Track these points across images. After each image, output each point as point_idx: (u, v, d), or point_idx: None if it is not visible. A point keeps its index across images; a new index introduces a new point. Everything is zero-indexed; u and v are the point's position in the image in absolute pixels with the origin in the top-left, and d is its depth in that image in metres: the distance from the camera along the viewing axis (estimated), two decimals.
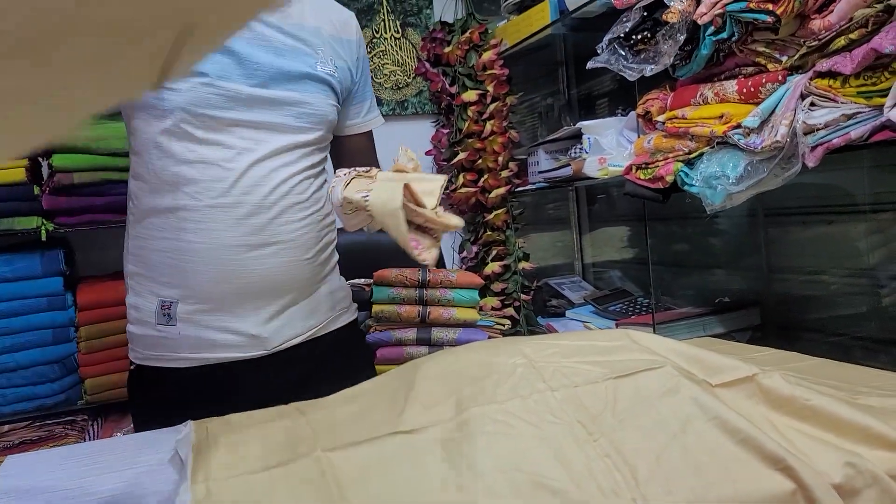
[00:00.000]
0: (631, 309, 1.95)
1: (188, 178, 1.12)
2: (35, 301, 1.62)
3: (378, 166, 1.29)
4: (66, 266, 1.65)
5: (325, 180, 1.32)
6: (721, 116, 1.29)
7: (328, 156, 1.33)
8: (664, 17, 1.36)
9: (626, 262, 2.39)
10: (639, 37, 1.45)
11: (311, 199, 1.24)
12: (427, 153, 2.35)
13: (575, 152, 1.98)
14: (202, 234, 1.12)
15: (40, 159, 1.64)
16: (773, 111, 1.19)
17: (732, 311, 1.69)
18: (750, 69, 1.30)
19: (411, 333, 1.79)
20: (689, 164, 1.38)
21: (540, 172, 2.12)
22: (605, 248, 2.51)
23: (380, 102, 2.29)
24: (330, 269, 1.35)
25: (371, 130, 1.39)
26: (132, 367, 1.22)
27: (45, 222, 1.63)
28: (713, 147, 1.32)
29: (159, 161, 1.13)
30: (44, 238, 1.63)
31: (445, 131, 2.29)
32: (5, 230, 1.61)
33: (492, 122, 2.22)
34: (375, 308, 1.82)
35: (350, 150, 1.36)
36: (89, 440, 1.61)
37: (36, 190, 1.63)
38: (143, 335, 1.18)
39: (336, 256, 1.41)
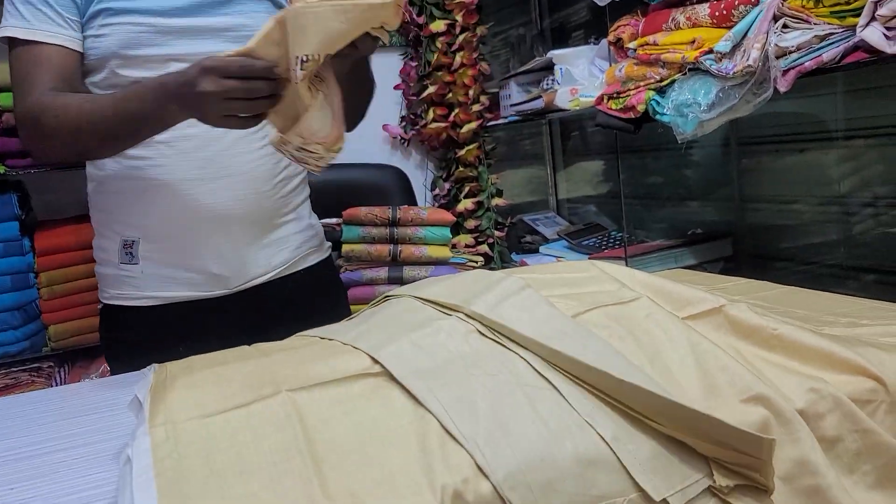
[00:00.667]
0: (604, 243, 1.94)
1: None
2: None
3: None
4: (21, 210, 1.60)
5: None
6: (693, 41, 1.26)
7: None
8: None
9: (600, 197, 2.37)
10: None
11: (260, 126, 1.20)
12: (395, 87, 2.29)
13: (547, 84, 1.94)
14: (155, 170, 1.10)
15: None
16: (745, 34, 1.16)
17: (704, 243, 1.69)
18: None
19: (383, 272, 1.78)
20: (661, 92, 1.35)
21: (512, 105, 2.07)
22: (580, 183, 2.49)
23: None
24: (296, 205, 1.31)
25: None
26: (100, 307, 1.22)
27: None
28: (685, 74, 1.29)
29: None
30: None
31: (414, 64, 2.23)
32: None
33: (461, 53, 2.16)
34: (345, 248, 1.80)
35: None
36: (57, 386, 1.59)
37: None
38: (108, 275, 1.18)
39: (305, 191, 1.37)
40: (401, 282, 1.77)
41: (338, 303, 1.41)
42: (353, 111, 1.23)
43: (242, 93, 0.85)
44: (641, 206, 2.09)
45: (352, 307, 1.75)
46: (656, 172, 2.07)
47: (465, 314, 0.75)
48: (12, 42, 1.05)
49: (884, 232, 1.47)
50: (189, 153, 1.11)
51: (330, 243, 1.43)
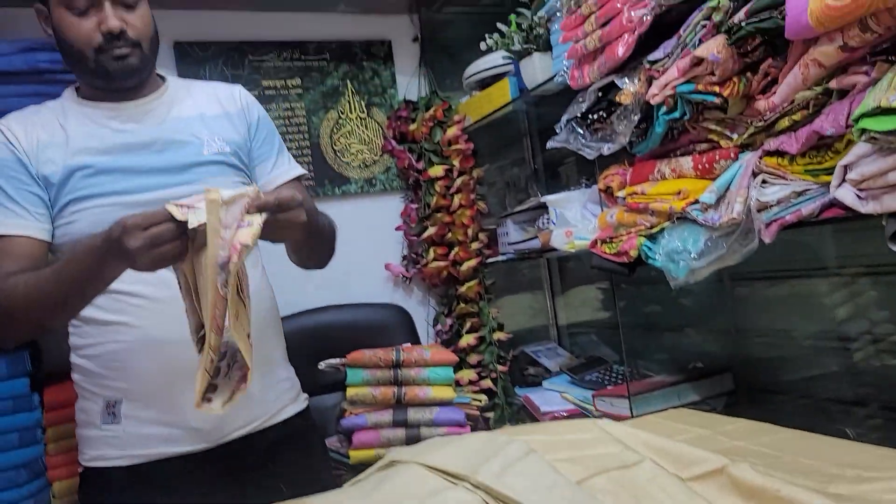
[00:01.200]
0: (607, 378, 1.95)
1: (114, 289, 1.16)
2: (1, 404, 1.58)
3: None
4: (31, 366, 1.62)
5: (253, 259, 1.34)
6: (679, 192, 1.32)
7: None
8: (618, 98, 1.40)
9: (600, 325, 2.40)
10: (595, 117, 1.50)
11: None
12: (397, 228, 2.37)
13: (542, 223, 2.01)
14: (134, 332, 1.19)
15: None
16: (727, 187, 1.22)
17: (706, 378, 1.70)
18: (704, 146, 1.34)
19: (387, 416, 1.78)
20: (652, 238, 1.40)
21: (510, 244, 2.14)
22: (579, 310, 2.52)
23: (348, 181, 2.32)
24: (272, 360, 1.35)
25: (293, 181, 1.41)
26: (81, 471, 1.23)
27: None
28: (673, 222, 1.35)
29: None
30: None
31: (414, 206, 2.32)
32: None
33: (459, 195, 2.25)
34: (350, 391, 1.81)
35: None
36: None
37: None
38: (89, 436, 1.23)
39: (281, 345, 1.42)
40: (405, 424, 1.77)
41: (316, 454, 1.44)
42: (318, 257, 1.30)
43: (161, 239, 0.92)
44: (641, 336, 2.11)
45: (357, 453, 1.74)
46: (653, 301, 2.11)
47: (472, 484, 0.77)
48: None
49: (884, 364, 1.48)
50: (166, 313, 1.17)
51: (306, 394, 1.46)
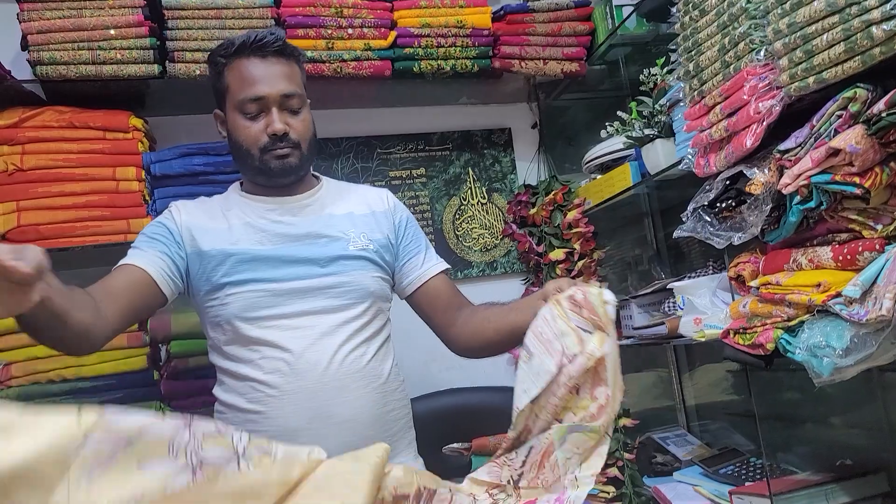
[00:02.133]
0: (744, 472, 1.85)
1: (248, 377, 1.28)
2: None
3: (466, 302, 1.48)
4: None
5: (386, 351, 1.41)
6: (819, 285, 1.27)
7: (385, 325, 1.43)
8: (748, 188, 1.38)
9: (732, 410, 2.28)
10: (723, 205, 1.48)
11: (367, 371, 1.33)
12: None
13: (668, 308, 1.97)
14: (269, 422, 1.26)
15: (160, 345, 1.77)
16: (874, 281, 1.17)
17: (857, 478, 1.58)
18: (844, 235, 1.29)
19: None
20: (790, 330, 1.35)
21: (634, 328, 2.10)
22: (708, 391, 2.42)
23: (470, 265, 2.38)
24: (401, 449, 1.38)
25: (442, 273, 1.50)
26: None
27: (163, 406, 1.74)
28: (814, 315, 1.30)
29: (223, 363, 1.33)
30: None
31: (535, 289, 2.33)
32: None
33: (581, 278, 2.24)
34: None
35: (432, 297, 1.47)
36: None
37: (155, 375, 1.74)
38: None
39: (410, 433, 1.45)
40: None
41: None
42: None
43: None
44: (779, 427, 2.00)
45: None
46: (791, 388, 2.00)
47: None
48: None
49: None
50: (300, 404, 1.25)
51: None
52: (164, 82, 1.88)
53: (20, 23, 1.75)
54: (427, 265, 1.49)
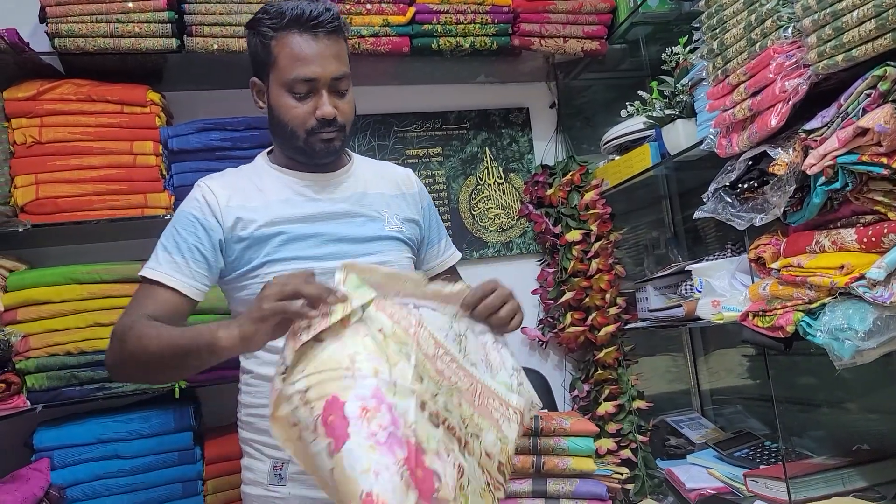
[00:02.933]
0: (758, 456, 1.84)
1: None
2: (167, 456, 1.70)
3: None
4: (195, 421, 1.75)
5: None
6: (842, 267, 1.26)
7: None
8: (771, 168, 1.36)
9: (747, 394, 2.27)
10: (745, 186, 1.46)
11: None
12: (533, 292, 2.38)
13: (685, 290, 1.96)
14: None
15: None
16: None
17: (873, 463, 1.57)
18: (869, 217, 1.27)
19: (526, 485, 1.75)
20: (811, 313, 1.33)
21: (650, 311, 2.09)
22: (723, 376, 2.40)
23: (485, 245, 2.37)
24: None
25: (454, 266, 1.54)
26: None
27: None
28: (836, 298, 1.28)
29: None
30: (177, 395, 1.73)
31: (551, 270, 2.32)
32: (144, 389, 1.73)
33: (597, 260, 2.23)
34: None
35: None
36: None
37: None
38: (254, 495, 1.27)
39: None
40: (545, 495, 1.74)
41: None
42: None
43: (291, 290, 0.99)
44: (795, 411, 1.98)
45: None
46: (808, 373, 1.98)
47: None
48: (142, 279, 1.26)
49: None
50: None
51: None
52: (182, 56, 1.87)
53: None
54: (446, 254, 1.52)
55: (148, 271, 1.26)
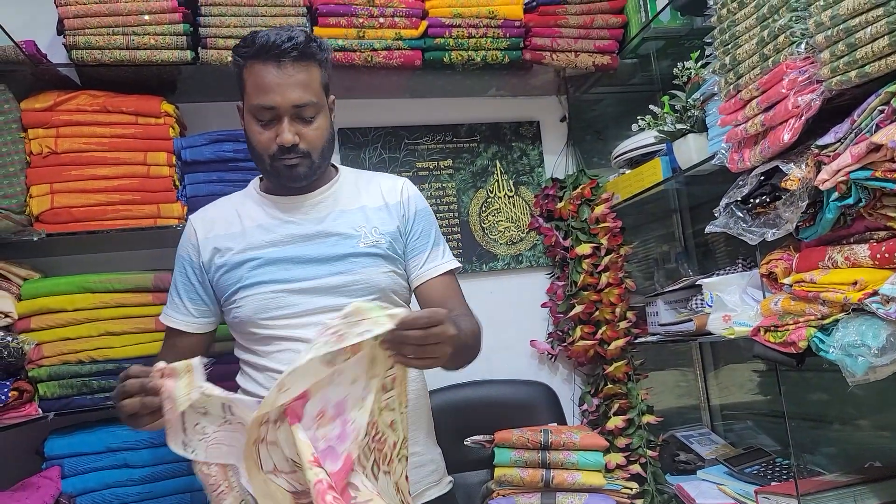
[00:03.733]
0: (769, 472, 1.83)
1: (266, 367, 1.33)
2: (176, 465, 1.69)
3: (463, 307, 1.42)
4: None
5: None
6: (855, 283, 1.25)
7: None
8: (783, 184, 1.36)
9: (757, 410, 2.25)
10: (757, 201, 1.46)
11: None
12: (543, 305, 2.38)
13: (696, 305, 1.95)
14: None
15: None
16: None
17: (887, 480, 1.55)
18: (882, 233, 1.27)
19: (535, 499, 1.75)
20: (824, 329, 1.33)
21: (660, 325, 2.09)
22: (733, 391, 2.39)
23: (495, 258, 2.37)
24: (415, 440, 1.38)
25: (445, 274, 1.45)
26: None
27: None
28: (849, 314, 1.27)
29: (243, 355, 1.40)
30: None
31: (561, 284, 2.32)
32: None
33: (607, 273, 2.23)
34: (498, 472, 1.80)
35: (424, 299, 1.45)
36: None
37: None
38: None
39: (425, 423, 1.44)
40: None
41: None
42: (463, 362, 1.31)
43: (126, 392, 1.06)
44: (806, 427, 1.97)
45: None
46: (819, 389, 1.97)
47: None
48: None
49: None
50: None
51: (451, 477, 1.46)
52: (196, 68, 1.89)
53: (57, 7, 1.77)
54: (427, 266, 1.44)
55: (162, 315, 1.45)
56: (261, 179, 1.49)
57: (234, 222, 1.41)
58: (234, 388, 1.38)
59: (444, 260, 1.47)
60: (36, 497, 1.52)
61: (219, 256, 1.38)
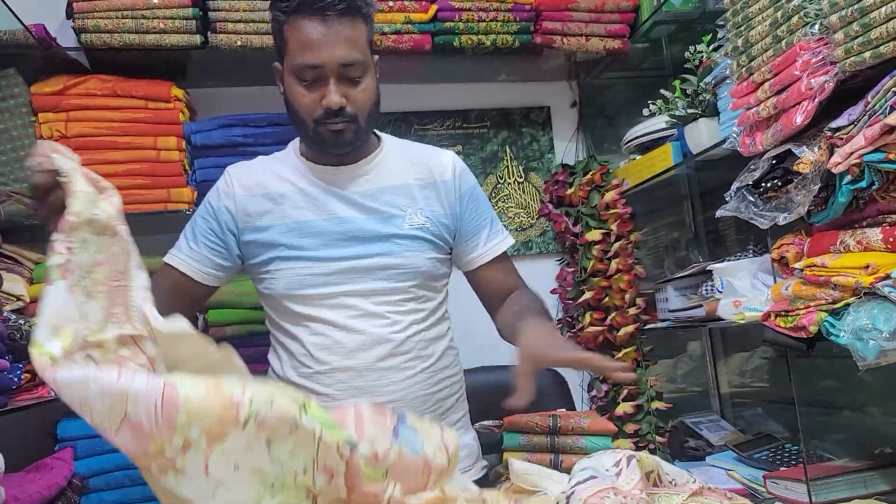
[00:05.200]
0: (778, 458, 1.82)
1: (297, 352, 1.27)
2: None
3: (515, 285, 1.39)
4: None
5: (439, 330, 1.37)
6: (867, 267, 1.24)
7: (440, 304, 1.37)
8: (795, 167, 1.35)
9: (767, 396, 2.25)
10: (769, 185, 1.45)
11: (416, 352, 1.30)
12: (552, 292, 2.37)
13: (706, 291, 1.94)
14: (317, 398, 1.22)
15: (197, 315, 1.79)
16: None
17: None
18: (895, 217, 1.25)
19: None
20: (835, 314, 1.32)
21: (670, 311, 2.08)
22: (743, 378, 2.38)
23: None
24: (451, 423, 1.37)
25: (502, 254, 1.39)
26: None
27: None
28: (860, 298, 1.27)
29: (276, 333, 1.33)
30: None
31: (570, 270, 2.32)
32: None
33: (617, 260, 2.22)
34: (506, 456, 1.80)
35: (487, 281, 1.39)
36: None
37: None
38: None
39: (461, 409, 1.43)
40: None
41: None
42: None
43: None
44: (816, 413, 1.96)
45: None
46: (829, 375, 1.96)
47: None
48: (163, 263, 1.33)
49: None
50: (347, 382, 1.25)
51: (485, 461, 1.45)
52: (206, 53, 1.89)
53: None
54: (485, 248, 1.38)
55: (170, 257, 1.34)
56: (300, 142, 1.38)
57: (273, 186, 1.31)
58: (265, 370, 1.36)
59: (502, 238, 1.41)
60: (49, 477, 1.54)
61: (252, 221, 1.30)
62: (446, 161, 1.38)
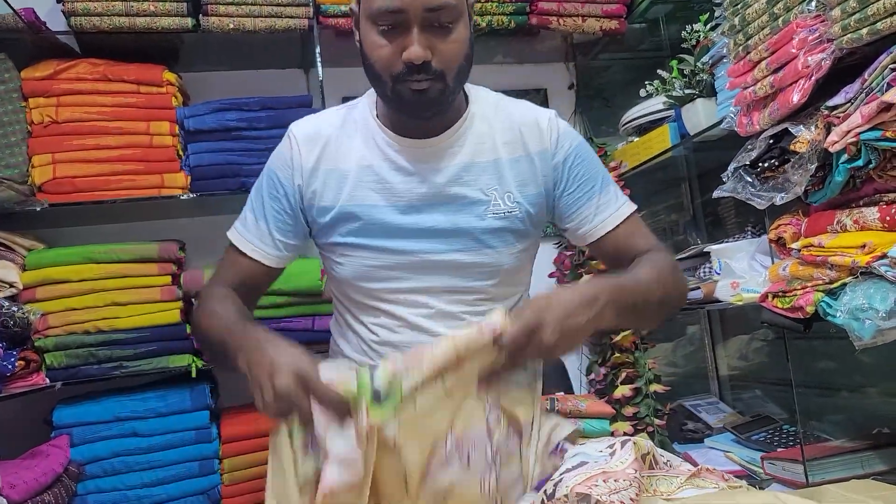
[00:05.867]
0: (776, 439, 1.82)
1: (362, 337, 1.16)
2: (184, 434, 1.71)
3: (642, 249, 1.15)
4: (211, 399, 1.76)
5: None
6: (863, 246, 1.23)
7: (521, 297, 1.22)
8: (792, 146, 1.34)
9: (765, 378, 2.24)
10: (766, 164, 1.43)
11: None
12: (550, 275, 2.36)
13: (704, 273, 1.93)
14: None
15: (193, 300, 1.78)
16: None
17: (893, 446, 1.54)
18: (892, 196, 1.24)
19: None
20: (832, 294, 1.31)
21: None
22: (741, 361, 2.38)
23: None
24: None
25: (623, 222, 1.16)
26: None
27: (195, 360, 1.76)
28: (857, 277, 1.26)
29: (341, 309, 1.22)
30: (194, 375, 1.75)
31: (568, 254, 2.30)
32: (161, 368, 1.75)
33: None
34: None
35: (608, 251, 1.19)
36: None
37: (188, 329, 1.76)
38: None
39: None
40: None
41: None
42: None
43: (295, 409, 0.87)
44: (814, 395, 1.96)
45: None
46: (827, 357, 1.95)
47: None
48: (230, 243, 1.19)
49: None
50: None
51: None
52: (198, 36, 1.87)
53: None
54: (599, 219, 1.15)
55: (235, 235, 1.18)
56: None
57: (342, 157, 1.14)
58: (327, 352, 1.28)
59: (619, 204, 1.17)
60: (45, 465, 1.54)
61: (318, 199, 1.14)
62: (542, 123, 1.15)
